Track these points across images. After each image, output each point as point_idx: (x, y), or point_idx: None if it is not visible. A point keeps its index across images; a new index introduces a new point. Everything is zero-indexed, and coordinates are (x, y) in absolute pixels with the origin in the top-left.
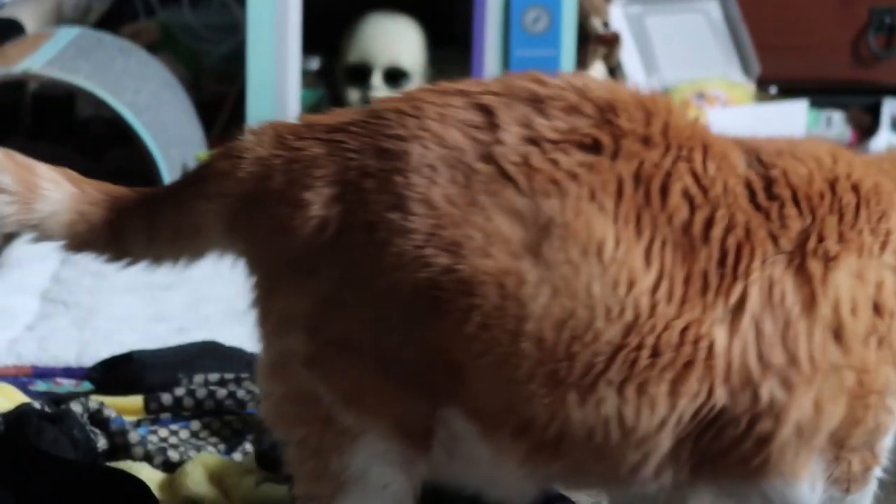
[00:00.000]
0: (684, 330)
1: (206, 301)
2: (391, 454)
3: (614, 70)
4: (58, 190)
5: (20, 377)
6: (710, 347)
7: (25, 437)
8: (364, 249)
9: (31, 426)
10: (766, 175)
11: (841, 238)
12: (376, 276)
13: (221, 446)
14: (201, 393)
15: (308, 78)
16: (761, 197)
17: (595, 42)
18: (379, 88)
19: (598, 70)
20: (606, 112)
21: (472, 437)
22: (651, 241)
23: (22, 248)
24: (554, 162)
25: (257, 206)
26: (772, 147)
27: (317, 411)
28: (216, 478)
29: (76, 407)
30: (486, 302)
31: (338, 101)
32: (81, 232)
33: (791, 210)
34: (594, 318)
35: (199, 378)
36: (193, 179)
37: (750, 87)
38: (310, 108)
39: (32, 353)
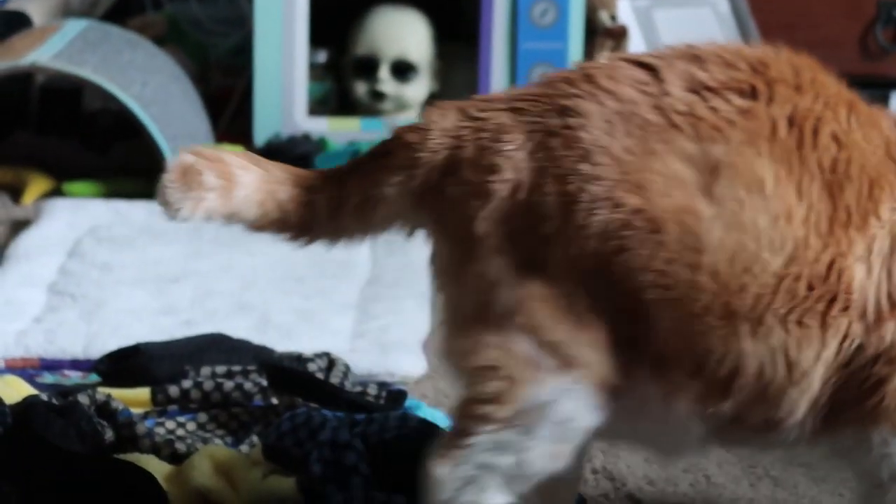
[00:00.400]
0: (830, 263)
1: (214, 294)
2: (580, 394)
3: None
4: (247, 173)
5: (27, 369)
6: (850, 283)
7: (33, 429)
8: (557, 201)
9: (38, 418)
10: None
11: None
12: (569, 225)
13: (228, 438)
14: (208, 385)
15: (315, 71)
16: None
17: (603, 35)
18: (386, 81)
19: None
20: (759, 66)
21: (646, 379)
22: (801, 178)
23: (29, 241)
24: (714, 109)
25: (449, 174)
26: None
27: (517, 355)
28: (223, 470)
29: (83, 399)
30: (670, 238)
31: (345, 94)
32: (269, 210)
33: None
34: (760, 249)
35: (206, 370)
36: (380, 152)
37: None
38: (317, 101)
39: (40, 346)
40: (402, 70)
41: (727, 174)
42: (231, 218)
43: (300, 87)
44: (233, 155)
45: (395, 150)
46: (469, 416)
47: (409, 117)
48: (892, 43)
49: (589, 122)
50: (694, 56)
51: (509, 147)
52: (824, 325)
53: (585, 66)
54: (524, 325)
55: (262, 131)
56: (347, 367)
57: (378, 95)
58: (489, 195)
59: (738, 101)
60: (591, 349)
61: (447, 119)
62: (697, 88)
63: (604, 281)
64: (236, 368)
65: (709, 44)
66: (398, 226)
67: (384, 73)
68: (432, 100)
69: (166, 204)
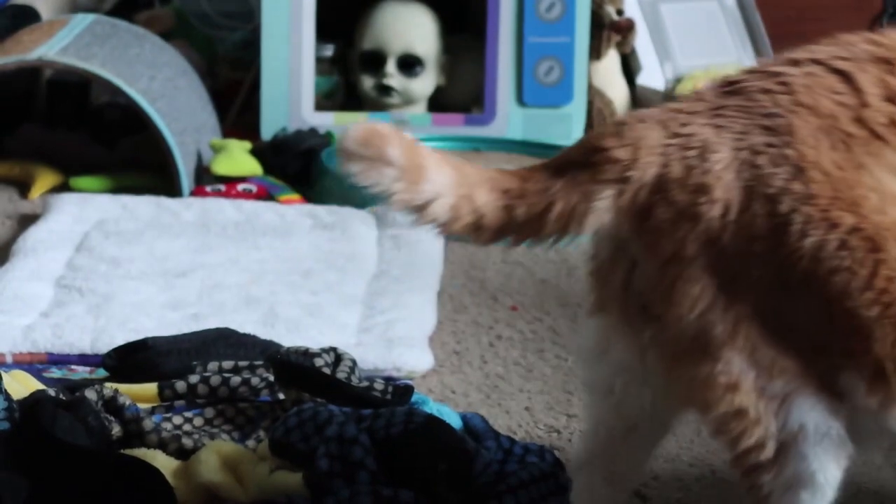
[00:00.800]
0: None
1: (221, 288)
2: (820, 405)
3: (628, 57)
4: (441, 172)
5: (35, 364)
6: None
7: (41, 423)
8: (769, 222)
9: (46, 413)
10: None
11: None
12: (781, 245)
13: (235, 434)
14: (215, 380)
15: (322, 65)
16: None
17: (609, 29)
18: (393, 76)
19: (612, 58)
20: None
21: (862, 393)
22: None
23: (36, 236)
24: None
25: (658, 194)
26: None
27: (745, 385)
28: (230, 465)
29: (91, 394)
30: (890, 255)
31: (352, 88)
32: (463, 214)
33: None
34: None
35: (213, 365)
36: (587, 163)
37: None
38: (324, 95)
39: (47, 340)
40: (409, 64)
41: None
42: (415, 212)
43: (307, 81)
44: (430, 149)
45: (604, 163)
46: (746, 470)
47: (415, 111)
48: None
49: (795, 140)
50: (884, 59)
51: (718, 166)
52: None
53: (779, 71)
54: (743, 349)
55: (269, 125)
56: (354, 363)
57: (385, 90)
58: (699, 216)
59: None
60: (800, 364)
61: (652, 134)
62: (894, 97)
63: (818, 300)
64: (243, 364)
65: (887, 36)
66: (594, 234)
67: (391, 67)
68: (439, 93)
69: (345, 153)
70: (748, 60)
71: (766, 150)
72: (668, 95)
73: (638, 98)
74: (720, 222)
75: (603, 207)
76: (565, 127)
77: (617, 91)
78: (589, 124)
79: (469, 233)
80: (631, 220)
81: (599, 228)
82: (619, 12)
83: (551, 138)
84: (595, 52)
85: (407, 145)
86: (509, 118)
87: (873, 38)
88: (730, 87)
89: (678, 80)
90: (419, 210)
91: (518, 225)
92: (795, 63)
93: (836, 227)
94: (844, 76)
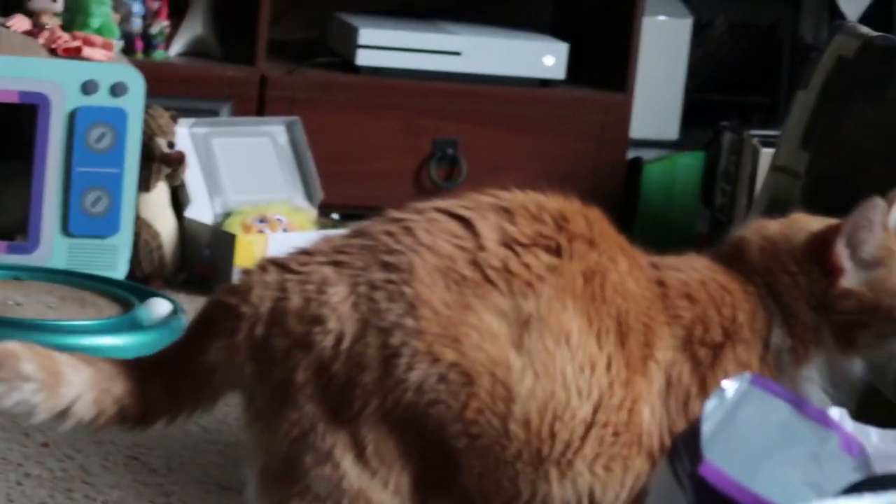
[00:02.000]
0: (630, 409)
1: None
2: None
3: (178, 190)
4: (78, 372)
5: None
6: (642, 425)
7: None
8: (380, 353)
9: None
10: (659, 276)
11: (722, 329)
12: (389, 377)
13: None
14: None
15: None
16: (660, 291)
17: (159, 161)
18: None
19: (161, 190)
20: (561, 220)
21: None
22: (599, 330)
23: None
24: (527, 266)
25: (274, 325)
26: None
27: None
28: None
29: None
30: (482, 389)
31: None
32: (107, 407)
33: (682, 302)
34: (570, 397)
35: None
36: (203, 321)
37: (312, 212)
38: None
39: None
40: None
41: (537, 327)
42: (62, 417)
43: None
44: (65, 354)
45: (216, 313)
46: None
47: None
48: (444, 180)
49: (413, 278)
50: (503, 208)
51: (334, 299)
52: (626, 469)
53: (401, 217)
54: (330, 476)
55: None
56: None
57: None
58: (312, 345)
59: (546, 258)
60: (396, 496)
61: (268, 274)
62: (510, 243)
63: (416, 431)
64: None
65: (514, 194)
66: (235, 389)
67: None
68: None
69: None
70: (299, 198)
71: (384, 286)
72: (217, 229)
73: (186, 231)
74: (332, 352)
75: (223, 357)
76: (110, 258)
77: (164, 223)
78: (135, 256)
79: (119, 423)
80: (250, 356)
81: (230, 377)
82: (171, 145)
83: (96, 269)
84: (144, 184)
85: (39, 355)
86: (54, 247)
87: (494, 192)
88: (354, 231)
89: (227, 215)
90: (65, 413)
91: (161, 405)
92: (419, 211)
93: (438, 361)
94: (465, 221)
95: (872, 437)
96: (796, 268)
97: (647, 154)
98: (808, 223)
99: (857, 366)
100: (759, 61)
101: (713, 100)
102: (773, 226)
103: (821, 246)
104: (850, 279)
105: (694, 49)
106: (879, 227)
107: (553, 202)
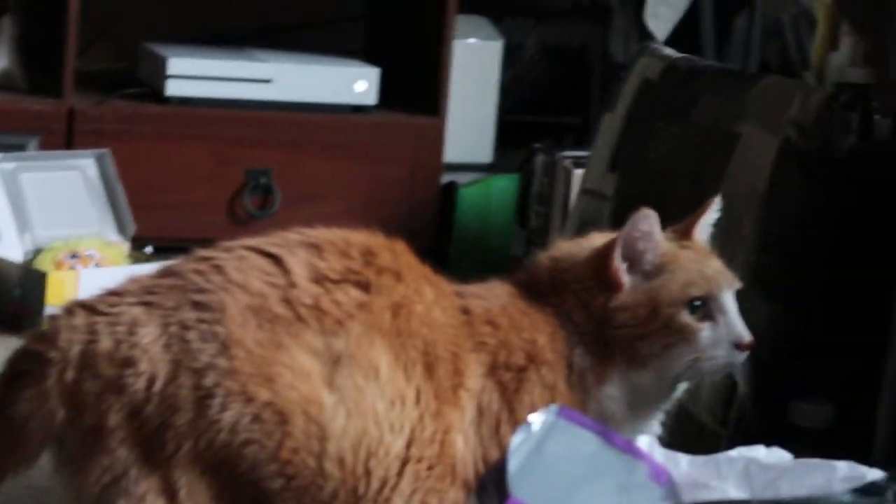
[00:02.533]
0: (442, 441)
1: None
2: None
3: None
4: None
5: None
6: (455, 456)
7: None
8: (193, 394)
9: None
10: (464, 304)
11: (524, 352)
12: (202, 418)
13: None
14: None
15: None
16: (465, 319)
17: None
18: None
19: None
20: (368, 255)
21: None
22: (406, 363)
23: None
24: (337, 303)
25: (85, 369)
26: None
27: None
28: None
29: None
30: (296, 429)
31: None
32: None
33: (486, 329)
34: (383, 433)
35: None
36: (11, 372)
37: (125, 246)
38: None
39: None
40: None
41: (347, 364)
42: None
43: None
44: None
45: (23, 363)
46: None
47: None
48: (258, 209)
49: (224, 317)
50: (312, 244)
51: (145, 340)
52: (441, 501)
53: (211, 256)
54: None
55: None
56: None
57: None
58: (124, 388)
59: (356, 294)
60: None
61: (76, 317)
62: (320, 279)
63: (230, 472)
64: None
65: (320, 230)
66: (51, 440)
67: None
68: None
69: None
70: (111, 232)
71: (196, 325)
72: (27, 267)
73: None
74: (145, 394)
75: (33, 407)
76: None
77: None
78: None
79: None
80: (61, 401)
81: (45, 426)
82: None
83: None
84: None
85: None
86: None
87: (300, 229)
88: (164, 271)
89: (38, 251)
90: None
91: None
92: (228, 249)
93: (252, 401)
94: (275, 259)
95: (682, 464)
96: (578, 285)
97: (461, 178)
98: (596, 241)
99: (648, 380)
100: (570, 82)
101: (526, 121)
102: (564, 246)
103: (599, 262)
104: (631, 292)
105: (505, 71)
106: (656, 237)
107: (358, 237)
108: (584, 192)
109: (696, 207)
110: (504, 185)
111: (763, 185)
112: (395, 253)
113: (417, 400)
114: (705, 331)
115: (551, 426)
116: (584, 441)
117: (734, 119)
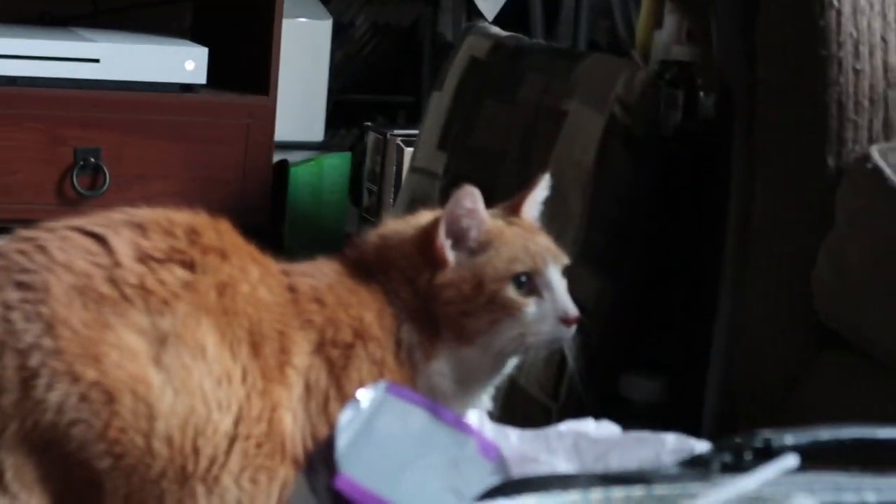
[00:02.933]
0: (270, 419)
1: None
2: None
3: None
4: None
5: None
6: (284, 433)
7: None
8: (18, 375)
9: None
10: (290, 282)
11: (351, 329)
12: (28, 398)
13: None
14: None
15: None
16: (292, 297)
17: None
18: None
19: None
20: (192, 234)
21: None
22: (232, 342)
23: None
24: (162, 282)
25: None
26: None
27: None
28: None
29: None
30: (124, 408)
31: None
32: None
33: (313, 306)
34: (210, 411)
35: None
36: None
37: None
38: None
39: None
40: None
41: (174, 343)
42: None
43: None
44: None
45: None
46: None
47: None
48: (88, 189)
49: (49, 297)
50: (136, 224)
51: None
52: (271, 479)
53: (34, 236)
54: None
55: None
56: None
57: None
58: None
59: (181, 273)
60: None
61: None
62: (145, 259)
63: (57, 452)
64: None
65: (144, 210)
66: None
67: None
68: None
69: None
70: None
71: (20, 305)
72: None
73: None
74: None
75: None
76: None
77: None
78: None
79: None
80: None
81: None
82: None
83: None
84: None
85: None
86: None
87: (125, 209)
88: None
89: None
90: None
91: None
92: (51, 229)
93: (79, 380)
94: (99, 238)
95: (512, 438)
96: (404, 262)
97: (293, 156)
98: (423, 219)
99: (476, 355)
100: (401, 61)
101: (358, 100)
102: (391, 224)
103: (424, 239)
104: (456, 268)
105: (336, 50)
106: (480, 213)
107: (183, 216)
108: (413, 170)
109: (525, 186)
110: (336, 164)
111: (590, 163)
112: (220, 232)
113: (244, 378)
114: (530, 306)
115: (380, 402)
116: (413, 417)
117: (561, 97)
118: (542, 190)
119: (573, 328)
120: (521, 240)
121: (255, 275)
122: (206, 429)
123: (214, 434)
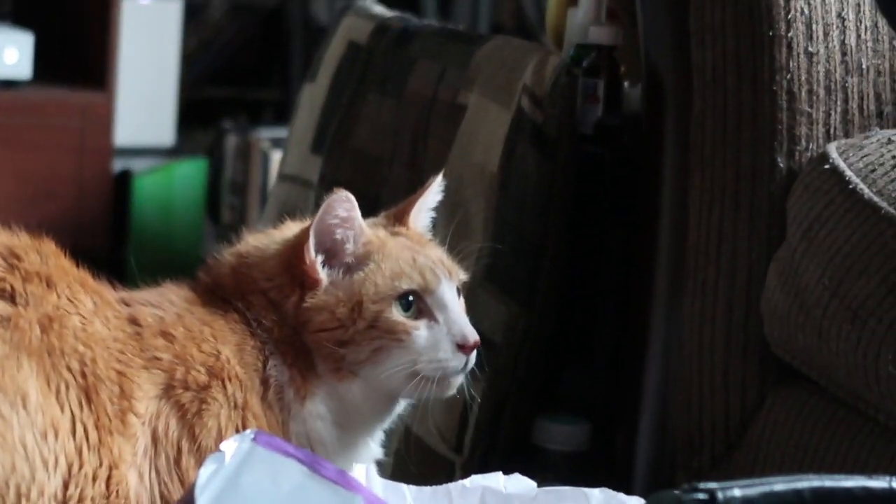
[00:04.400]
0: (108, 478)
1: None
2: None
3: None
4: None
5: None
6: (128, 495)
7: None
8: None
9: None
10: (131, 313)
11: (205, 368)
12: None
13: None
14: None
15: None
16: (134, 331)
17: None
18: None
19: None
20: (11, 257)
21: None
22: (59, 387)
23: None
24: None
25: None
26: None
27: None
28: None
29: None
30: None
31: None
32: None
33: (159, 342)
34: (35, 470)
35: None
36: None
37: None
38: None
39: None
40: None
41: None
42: None
43: None
44: None
45: None
46: None
47: None
48: None
49: None
50: None
51: None
52: None
53: None
54: None
55: None
56: None
57: None
58: None
59: (0, 307)
60: None
61: None
62: None
63: None
64: None
65: None
66: None
67: None
68: None
69: None
70: None
71: None
72: None
73: None
74: None
75: None
76: None
77: None
78: None
79: None
80: None
81: None
82: None
83: None
84: None
85: None
86: None
87: None
88: None
89: None
90: None
91: None
92: None
93: None
94: None
95: (407, 495)
96: (268, 284)
97: (138, 164)
98: (289, 231)
99: (359, 392)
100: (266, 49)
101: (215, 96)
102: (251, 240)
103: (290, 255)
104: (329, 289)
105: (188, 37)
106: (357, 222)
107: (3, 236)
108: (283, 177)
109: (411, 193)
110: (189, 173)
111: (495, 165)
112: (44, 255)
113: (73, 430)
114: (420, 330)
115: (247, 455)
116: (287, 471)
117: (458, 88)
118: (433, 194)
119: (473, 356)
120: (408, 252)
121: (88, 305)
122: (31, 491)
123: (40, 497)
